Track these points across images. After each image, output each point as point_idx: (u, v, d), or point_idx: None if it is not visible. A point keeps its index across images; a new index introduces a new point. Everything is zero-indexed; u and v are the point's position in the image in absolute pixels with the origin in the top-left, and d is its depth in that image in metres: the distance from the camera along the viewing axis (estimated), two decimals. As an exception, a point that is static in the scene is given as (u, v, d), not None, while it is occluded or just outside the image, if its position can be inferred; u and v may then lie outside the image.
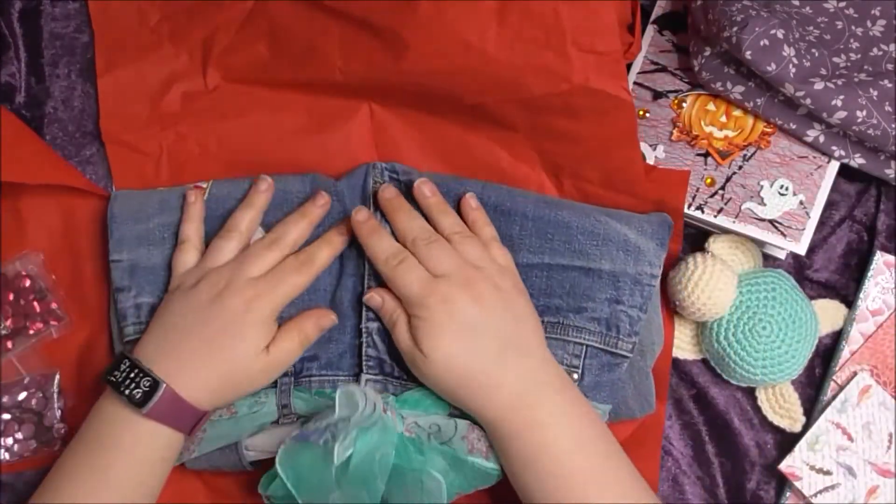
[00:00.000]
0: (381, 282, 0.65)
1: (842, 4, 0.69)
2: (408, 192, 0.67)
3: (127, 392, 0.58)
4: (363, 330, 0.65)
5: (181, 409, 0.59)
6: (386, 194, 0.65)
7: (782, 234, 0.68)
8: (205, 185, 0.68)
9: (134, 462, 0.59)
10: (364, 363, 0.66)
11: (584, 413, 0.61)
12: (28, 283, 0.70)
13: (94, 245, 0.70)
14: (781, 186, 0.69)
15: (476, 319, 0.60)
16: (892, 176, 0.69)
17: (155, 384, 0.58)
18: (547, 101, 0.65)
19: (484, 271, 0.62)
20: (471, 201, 0.66)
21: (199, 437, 0.64)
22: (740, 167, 0.70)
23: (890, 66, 0.68)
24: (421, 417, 0.63)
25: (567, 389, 0.61)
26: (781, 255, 0.73)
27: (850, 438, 0.69)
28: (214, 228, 0.67)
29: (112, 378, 0.59)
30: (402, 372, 0.66)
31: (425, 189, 0.65)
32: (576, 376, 0.65)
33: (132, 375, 0.59)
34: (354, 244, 0.67)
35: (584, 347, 0.65)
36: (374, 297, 0.63)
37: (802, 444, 0.69)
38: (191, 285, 0.63)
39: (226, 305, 0.61)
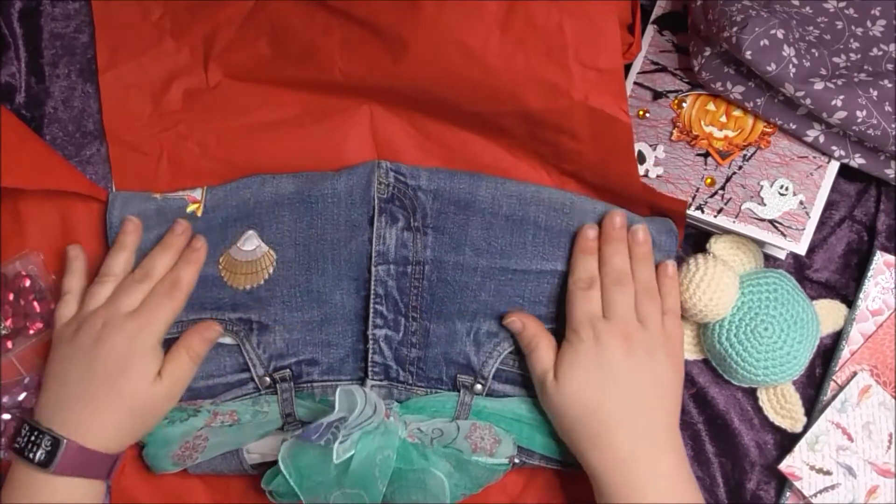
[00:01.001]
0: (387, 289, 0.66)
1: (842, 4, 0.69)
2: (414, 195, 0.67)
3: (31, 455, 0.59)
4: (370, 337, 0.66)
5: (90, 459, 0.60)
6: (615, 222, 0.66)
7: (782, 234, 0.68)
8: (198, 196, 0.69)
9: None
10: (370, 369, 0.66)
11: (688, 488, 0.61)
12: (28, 283, 0.70)
13: (93, 245, 0.70)
14: (781, 186, 0.69)
15: (617, 368, 0.62)
16: (892, 176, 0.69)
17: (56, 442, 0.59)
18: (545, 117, 0.65)
19: (648, 332, 0.63)
20: (668, 269, 0.67)
21: (202, 446, 0.64)
22: (740, 167, 0.70)
23: (890, 66, 0.68)
24: (424, 423, 0.64)
25: (677, 461, 0.62)
26: (781, 256, 0.73)
27: (850, 438, 0.69)
28: (216, 238, 0.67)
29: (17, 445, 0.60)
30: (406, 376, 0.66)
31: (640, 235, 0.67)
32: None
33: (33, 438, 0.59)
34: (353, 247, 0.67)
35: None
36: (516, 321, 0.65)
37: (802, 444, 0.69)
38: (72, 333, 0.63)
39: (108, 344, 0.62)
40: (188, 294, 0.66)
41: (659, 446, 0.61)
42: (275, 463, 0.63)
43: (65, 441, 0.59)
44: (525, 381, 0.66)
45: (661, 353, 0.63)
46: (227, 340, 0.67)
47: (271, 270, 0.67)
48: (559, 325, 0.66)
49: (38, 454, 0.59)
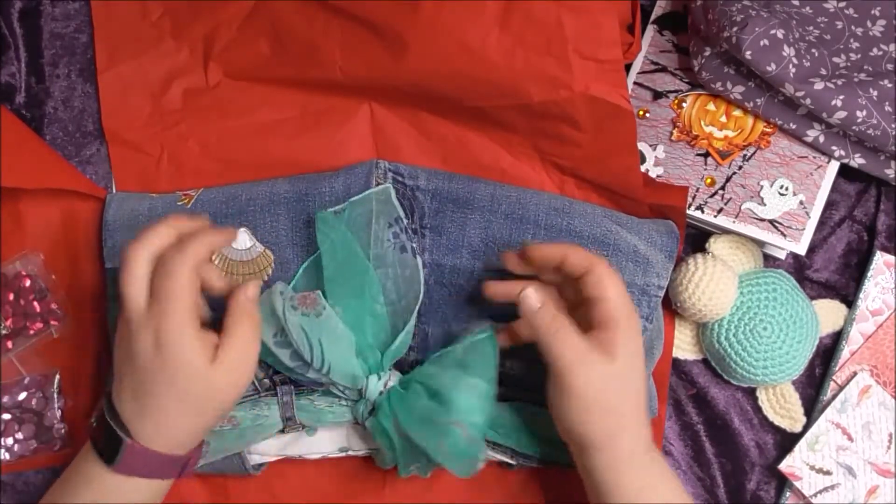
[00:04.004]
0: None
1: (842, 4, 0.69)
2: (412, 195, 0.67)
3: (98, 446, 0.56)
4: None
5: (155, 461, 0.55)
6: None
7: (782, 234, 0.68)
8: (193, 193, 0.68)
9: None
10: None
11: (675, 483, 0.60)
12: (28, 283, 0.70)
13: (93, 245, 0.70)
14: (781, 186, 0.69)
15: (624, 369, 0.57)
16: (892, 176, 0.69)
17: (119, 440, 0.54)
18: (546, 108, 0.65)
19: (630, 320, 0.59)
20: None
21: (203, 451, 0.64)
22: (740, 167, 0.70)
23: (890, 66, 0.68)
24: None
25: (660, 457, 0.60)
26: (781, 255, 0.73)
27: (850, 438, 0.69)
28: None
29: (93, 423, 0.57)
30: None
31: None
32: None
33: (104, 424, 0.55)
34: None
35: None
36: (531, 295, 0.58)
37: (802, 444, 0.69)
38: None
39: (138, 346, 0.55)
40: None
41: (647, 446, 0.60)
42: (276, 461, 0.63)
43: (126, 441, 0.54)
44: (520, 381, 0.66)
45: (637, 340, 0.59)
46: None
47: (270, 272, 0.66)
48: None
49: (105, 447, 0.55)
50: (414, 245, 0.66)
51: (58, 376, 0.69)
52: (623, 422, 0.58)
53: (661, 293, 0.66)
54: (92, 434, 0.56)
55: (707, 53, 0.68)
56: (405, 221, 0.66)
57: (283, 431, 0.66)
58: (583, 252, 0.58)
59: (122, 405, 0.55)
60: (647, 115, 0.71)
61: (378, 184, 0.67)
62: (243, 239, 0.66)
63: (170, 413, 0.55)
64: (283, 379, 0.65)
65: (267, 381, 0.66)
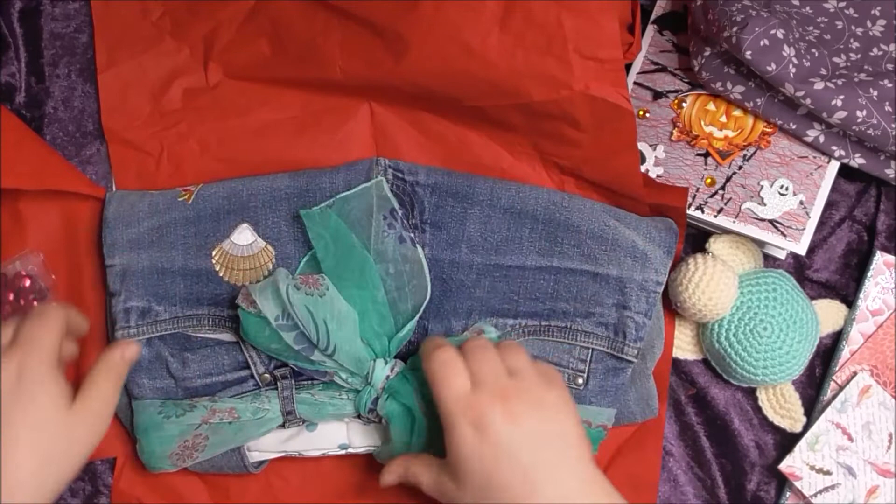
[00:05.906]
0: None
1: (842, 4, 0.69)
2: (412, 191, 0.67)
3: None
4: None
5: None
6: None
7: (782, 234, 0.68)
8: (193, 189, 0.68)
9: None
10: None
11: None
12: (28, 283, 0.70)
13: (93, 245, 0.70)
14: (781, 186, 0.69)
15: (508, 440, 0.54)
16: (892, 176, 0.69)
17: None
18: (547, 108, 0.65)
19: (525, 382, 0.57)
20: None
21: (203, 445, 0.64)
22: (740, 167, 0.70)
23: (890, 66, 0.68)
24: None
25: (608, 499, 0.55)
26: (781, 255, 0.73)
27: (850, 438, 0.69)
28: (206, 227, 0.67)
29: None
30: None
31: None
32: (581, 380, 0.66)
33: None
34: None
35: (590, 351, 0.66)
36: (386, 479, 0.61)
37: (802, 444, 0.69)
38: None
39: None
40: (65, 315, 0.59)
41: (586, 494, 0.55)
42: (276, 460, 0.63)
43: None
44: None
45: (549, 399, 0.57)
46: (226, 337, 0.66)
47: (271, 267, 0.66)
48: (555, 321, 0.66)
49: None
50: (412, 235, 0.66)
51: (58, 376, 0.69)
52: (525, 495, 0.54)
53: (660, 289, 0.66)
54: None
55: (707, 53, 0.68)
56: (400, 212, 0.66)
57: (283, 426, 0.66)
58: (423, 355, 0.60)
59: None
60: (647, 115, 0.71)
61: None
62: (245, 235, 0.66)
63: (16, 461, 0.52)
64: (283, 374, 0.65)
65: (268, 375, 0.66)
